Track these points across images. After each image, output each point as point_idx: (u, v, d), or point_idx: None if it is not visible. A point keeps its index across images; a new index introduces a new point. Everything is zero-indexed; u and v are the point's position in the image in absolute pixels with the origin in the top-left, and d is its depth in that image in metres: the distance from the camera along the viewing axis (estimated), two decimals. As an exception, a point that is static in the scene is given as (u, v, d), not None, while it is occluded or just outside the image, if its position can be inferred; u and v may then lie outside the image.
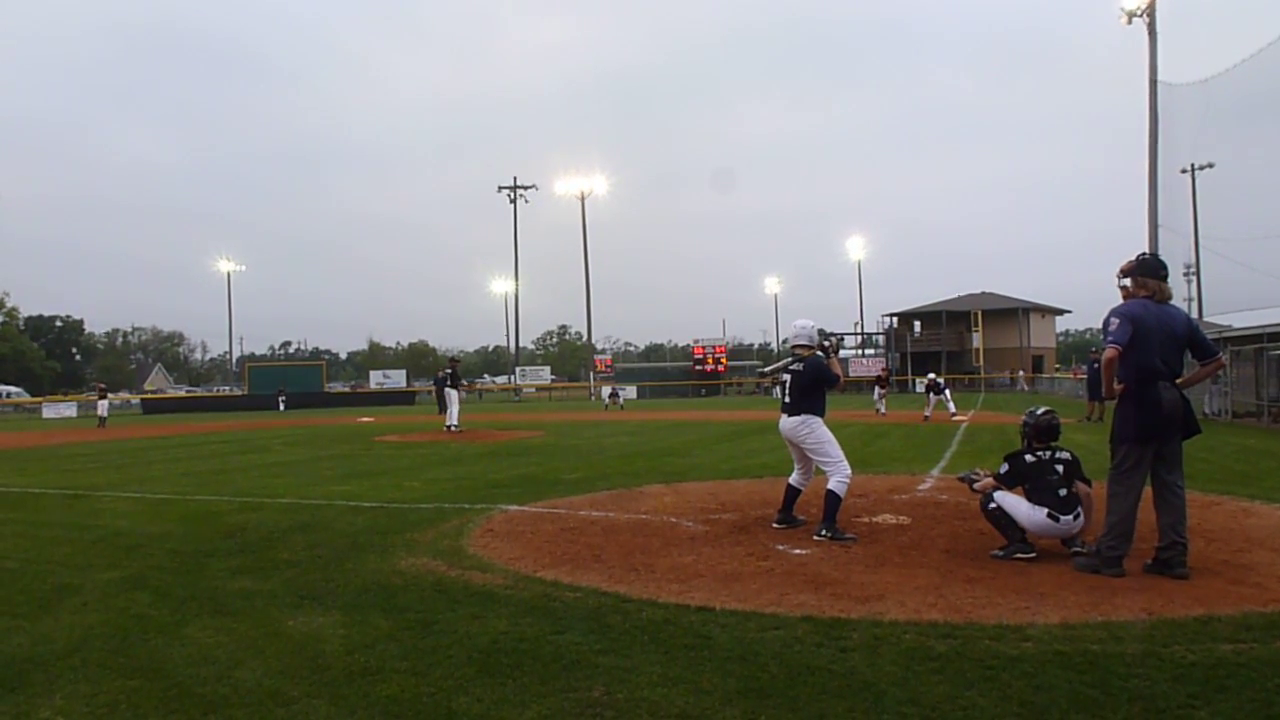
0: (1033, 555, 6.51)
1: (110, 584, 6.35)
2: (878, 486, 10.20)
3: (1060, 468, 6.68)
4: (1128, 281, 6.24)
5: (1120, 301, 6.24)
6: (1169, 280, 6.28)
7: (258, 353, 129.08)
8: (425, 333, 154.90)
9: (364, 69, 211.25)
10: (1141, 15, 35.33)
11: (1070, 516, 6.52)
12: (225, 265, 76.72)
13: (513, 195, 72.00)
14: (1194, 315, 47.34)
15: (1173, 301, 6.24)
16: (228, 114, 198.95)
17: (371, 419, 35.83)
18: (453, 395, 23.97)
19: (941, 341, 72.12)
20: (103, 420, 36.23)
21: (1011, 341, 71.59)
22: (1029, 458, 6.77)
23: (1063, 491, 6.57)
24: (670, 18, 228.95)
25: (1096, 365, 28.30)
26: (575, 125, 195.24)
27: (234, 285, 76.55)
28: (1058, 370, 72.09)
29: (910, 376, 65.39)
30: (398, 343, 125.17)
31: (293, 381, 59.13)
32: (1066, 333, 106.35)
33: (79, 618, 5.47)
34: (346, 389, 79.53)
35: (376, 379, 75.12)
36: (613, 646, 4.61)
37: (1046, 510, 6.52)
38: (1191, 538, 6.33)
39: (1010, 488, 6.77)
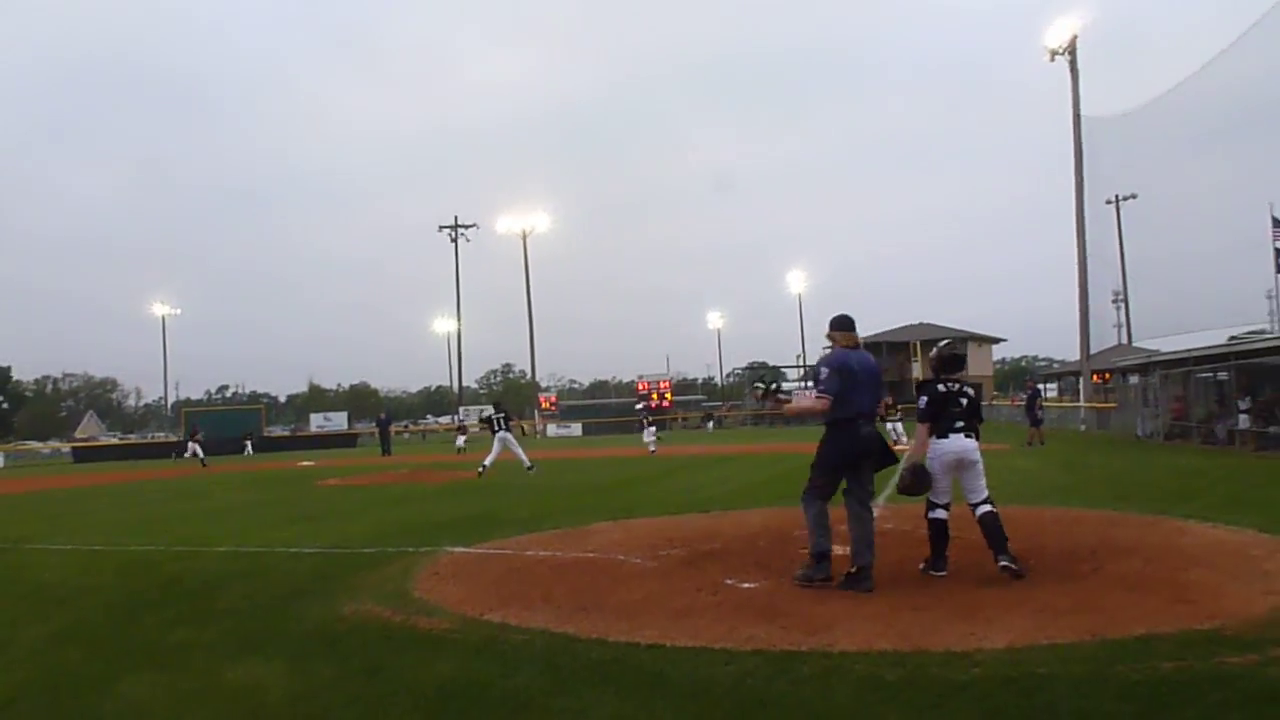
0: (943, 574, 7.01)
1: (40, 639, 6.13)
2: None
3: (964, 401, 7.22)
4: (837, 334, 7.37)
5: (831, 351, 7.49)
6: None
7: (194, 397, 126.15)
8: (367, 374, 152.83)
9: (313, 102, 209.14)
10: (1063, 53, 36.57)
11: (968, 440, 7.15)
12: (160, 309, 75.03)
13: (454, 235, 71.67)
14: (1121, 341, 48.82)
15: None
16: (167, 147, 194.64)
17: (312, 463, 35.20)
18: (509, 438, 21.88)
19: (883, 372, 73.01)
20: None
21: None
22: (940, 387, 7.24)
23: (960, 424, 7.15)
24: (619, 51, 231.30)
25: (1031, 393, 28.95)
26: (522, 159, 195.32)
27: (172, 327, 74.87)
28: (996, 397, 73.29)
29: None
30: (339, 384, 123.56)
31: (231, 426, 57.80)
32: (1003, 360, 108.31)
33: (7, 675, 5.27)
34: (286, 433, 78.03)
35: (317, 422, 73.87)
36: (563, 688, 4.56)
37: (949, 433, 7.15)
38: (1130, 557, 6.97)
39: (932, 418, 7.16)
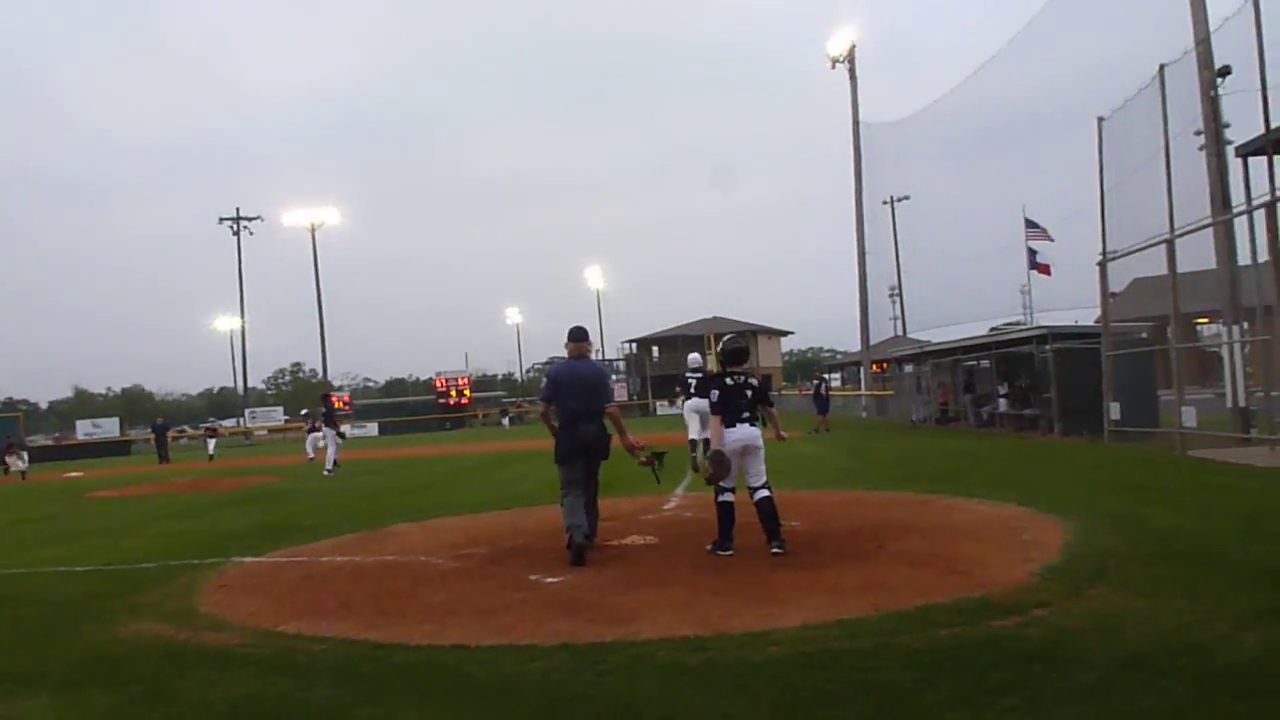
0: (730, 553, 7.43)
1: None
2: (625, 509, 10.41)
3: (749, 393, 7.70)
4: (569, 345, 8.35)
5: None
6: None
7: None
8: (141, 377, 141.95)
9: (74, 94, 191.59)
10: (844, 61, 38.62)
11: (753, 428, 7.65)
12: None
13: (235, 227, 67.81)
14: (898, 333, 52.13)
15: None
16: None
17: (81, 473, 32.57)
18: (330, 434, 21.89)
19: (679, 365, 74.89)
20: None
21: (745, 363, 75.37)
22: (728, 380, 7.71)
23: (746, 413, 7.61)
24: (417, 45, 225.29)
25: (818, 383, 30.48)
26: (312, 155, 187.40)
27: (-95, 332, 67.32)
28: (784, 388, 76.59)
29: (651, 400, 67.61)
30: (109, 389, 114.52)
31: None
32: (791, 352, 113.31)
33: None
34: (50, 441, 71.73)
35: (85, 429, 68.23)
36: (366, 696, 4.42)
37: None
38: (909, 535, 7.69)
39: (723, 410, 7.59)
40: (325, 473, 21.17)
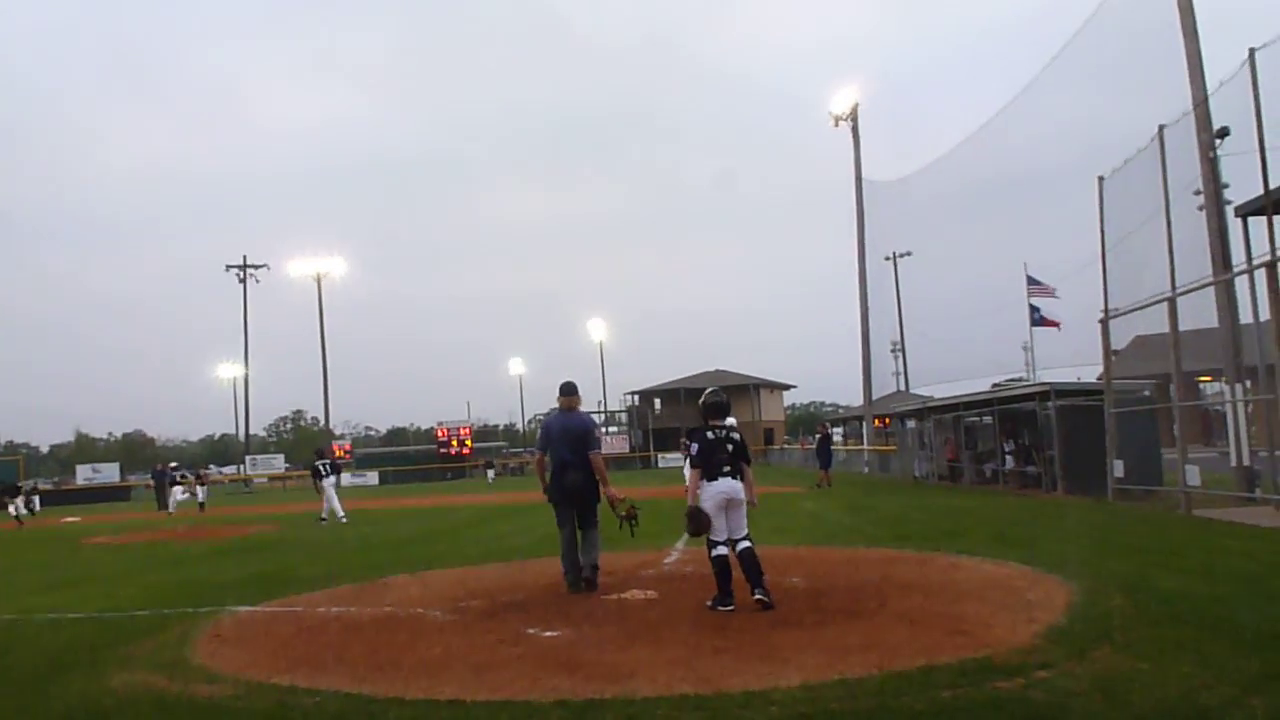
0: (731, 609, 7.32)
1: None
2: (625, 563, 10.32)
3: (730, 447, 7.73)
4: (560, 399, 9.22)
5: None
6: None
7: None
8: (143, 422, 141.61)
9: (84, 132, 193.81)
10: (846, 119, 39.13)
11: (735, 481, 7.67)
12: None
13: (241, 274, 68.18)
14: (900, 388, 52.17)
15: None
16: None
17: (79, 519, 32.40)
18: (328, 484, 22.01)
19: (681, 418, 74.80)
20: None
21: (745, 415, 75.17)
22: (709, 434, 7.71)
23: (727, 468, 7.64)
24: (422, 99, 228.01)
25: (821, 436, 30.41)
26: (318, 204, 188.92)
27: (-92, 374, 67.44)
28: (787, 442, 76.41)
29: (653, 452, 67.45)
30: (109, 434, 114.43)
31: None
32: (793, 406, 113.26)
33: None
34: (49, 486, 71.43)
35: (85, 474, 68.01)
36: (358, 752, 4.35)
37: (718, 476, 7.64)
38: (911, 593, 7.58)
39: (703, 464, 7.63)
40: (320, 521, 21.17)
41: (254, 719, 5.01)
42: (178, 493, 32.27)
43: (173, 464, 45.55)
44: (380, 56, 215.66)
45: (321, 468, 22.44)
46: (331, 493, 21.90)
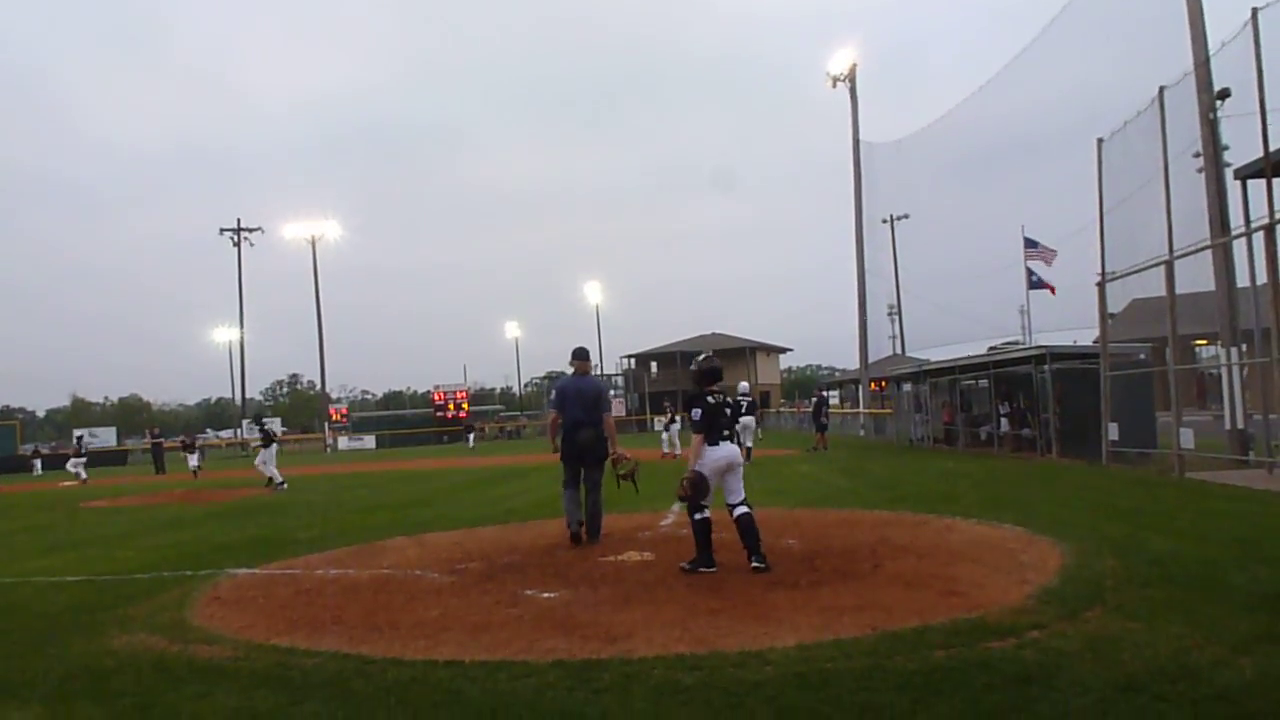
0: (713, 570, 7.44)
1: None
2: (622, 525, 10.38)
3: (729, 410, 7.83)
4: (573, 363, 9.95)
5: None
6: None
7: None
8: (139, 386, 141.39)
9: (74, 101, 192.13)
10: (844, 80, 38.77)
11: (734, 445, 7.83)
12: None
13: (236, 238, 67.87)
14: (896, 351, 52.19)
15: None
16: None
17: (76, 482, 32.46)
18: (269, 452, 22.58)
19: (677, 382, 74.88)
20: None
21: (741, 378, 75.25)
22: (710, 400, 7.70)
23: (727, 432, 7.75)
24: (420, 61, 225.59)
25: (818, 400, 30.47)
26: (314, 167, 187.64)
27: (-97, 338, 67.26)
28: (783, 405, 76.55)
29: (649, 415, 67.64)
30: (106, 398, 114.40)
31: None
32: (790, 369, 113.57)
33: None
34: (47, 450, 71.50)
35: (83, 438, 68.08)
36: (356, 713, 4.39)
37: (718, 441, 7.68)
38: (905, 555, 7.66)
39: (706, 429, 7.61)
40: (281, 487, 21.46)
41: (252, 680, 5.04)
42: (192, 460, 32.50)
43: (155, 430, 45.50)
44: (371, 19, 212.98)
45: (264, 437, 23.19)
46: (270, 460, 22.44)
